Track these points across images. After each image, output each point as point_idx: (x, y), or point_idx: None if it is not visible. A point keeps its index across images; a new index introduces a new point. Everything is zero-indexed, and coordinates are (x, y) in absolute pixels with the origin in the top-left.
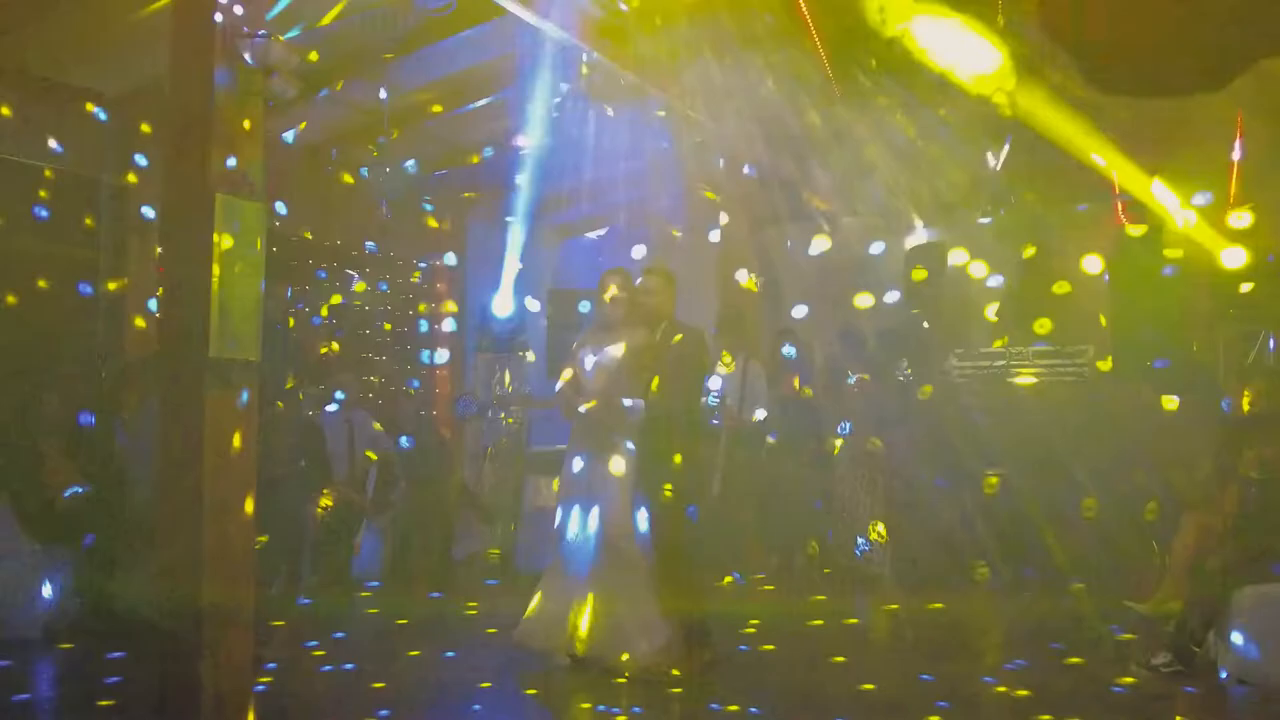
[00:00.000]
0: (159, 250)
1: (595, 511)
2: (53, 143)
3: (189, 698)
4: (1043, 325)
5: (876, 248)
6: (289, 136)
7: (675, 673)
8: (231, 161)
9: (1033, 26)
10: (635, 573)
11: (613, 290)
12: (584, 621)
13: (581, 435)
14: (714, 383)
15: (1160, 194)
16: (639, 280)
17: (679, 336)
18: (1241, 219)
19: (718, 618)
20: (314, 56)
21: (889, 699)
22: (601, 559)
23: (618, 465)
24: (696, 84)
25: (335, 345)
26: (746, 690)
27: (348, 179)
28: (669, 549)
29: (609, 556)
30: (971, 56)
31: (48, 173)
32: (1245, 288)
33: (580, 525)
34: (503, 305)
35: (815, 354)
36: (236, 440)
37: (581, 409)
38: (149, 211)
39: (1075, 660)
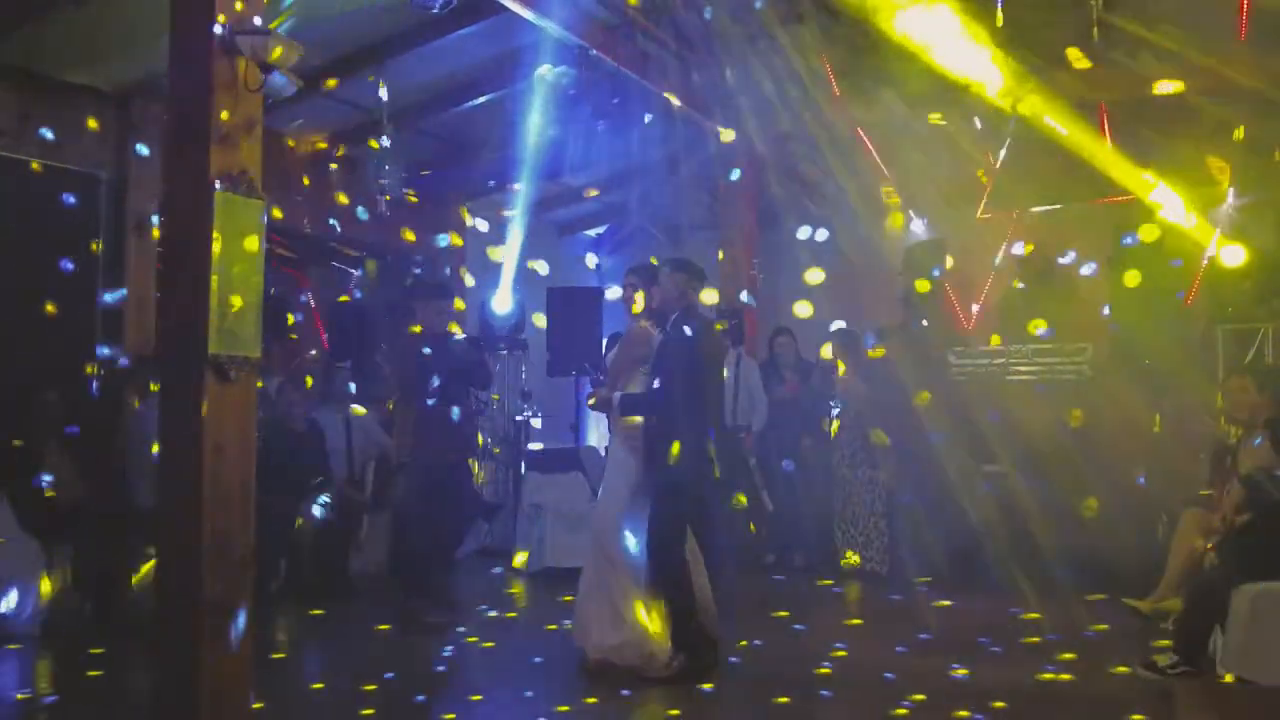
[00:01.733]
0: (158, 247)
1: (597, 506)
2: (52, 140)
3: (187, 694)
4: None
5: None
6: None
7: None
8: (230, 158)
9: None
10: (614, 566)
11: (624, 291)
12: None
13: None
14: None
15: (1159, 192)
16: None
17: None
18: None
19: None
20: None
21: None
22: (591, 552)
23: (614, 460)
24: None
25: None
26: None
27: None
28: (658, 549)
29: (595, 549)
30: (974, 59)
31: (47, 170)
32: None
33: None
34: (501, 303)
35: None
36: (236, 437)
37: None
38: (147, 210)
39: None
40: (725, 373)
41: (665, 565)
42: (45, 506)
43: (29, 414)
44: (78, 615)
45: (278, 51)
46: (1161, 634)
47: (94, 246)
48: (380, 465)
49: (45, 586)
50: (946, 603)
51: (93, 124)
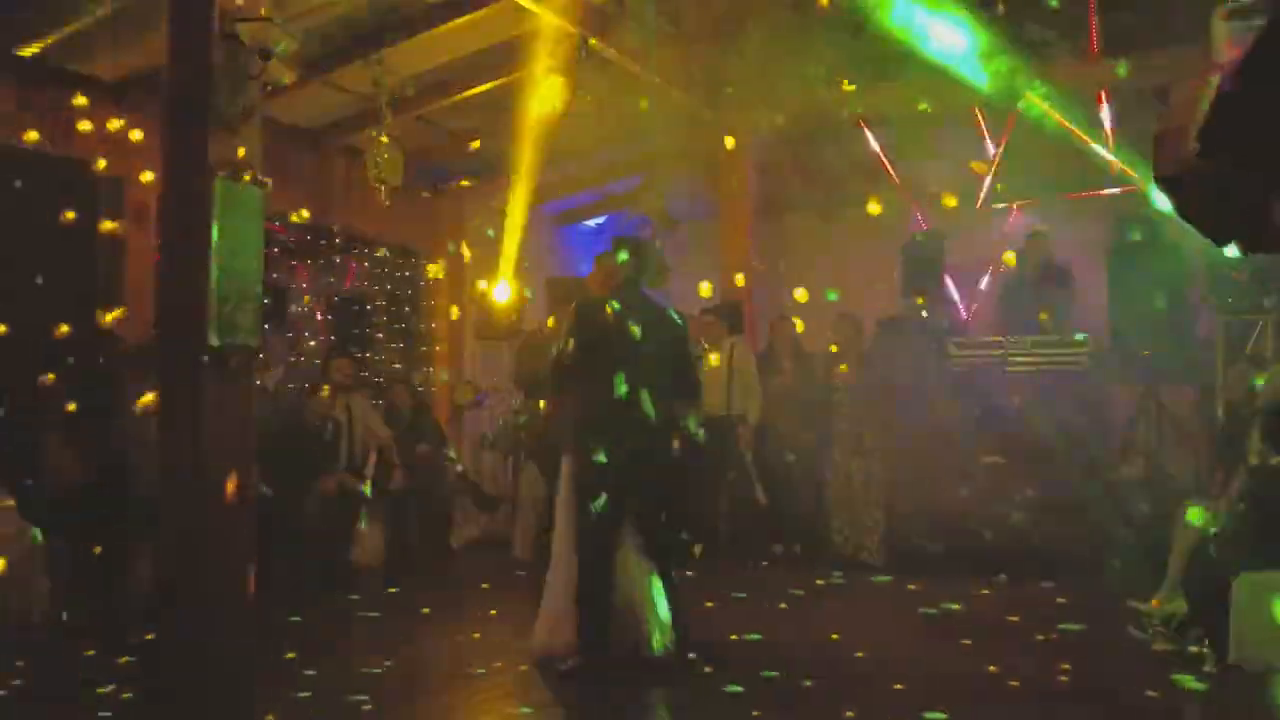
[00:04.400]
0: (157, 236)
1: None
2: (50, 128)
3: (189, 685)
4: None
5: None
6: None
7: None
8: (230, 146)
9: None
10: (557, 564)
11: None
12: None
13: None
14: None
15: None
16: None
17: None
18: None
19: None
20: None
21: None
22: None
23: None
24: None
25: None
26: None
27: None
28: (578, 539)
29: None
30: (975, 48)
31: (45, 158)
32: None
33: None
34: (502, 293)
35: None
36: (235, 426)
37: None
38: (147, 199)
39: (1068, 646)
40: (715, 359)
41: (580, 561)
42: (45, 496)
43: (28, 403)
44: (77, 606)
45: (276, 38)
46: (1163, 627)
47: (92, 235)
48: (381, 456)
49: (45, 579)
50: (943, 594)
51: (91, 112)
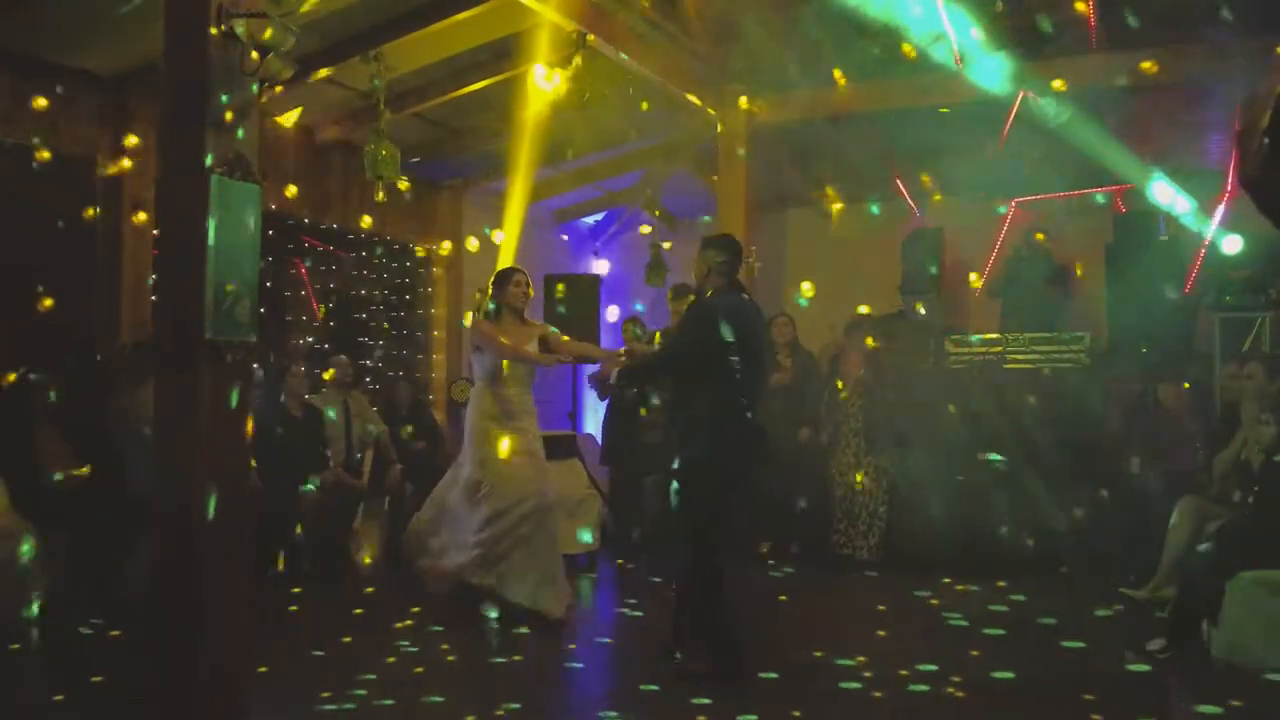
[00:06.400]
0: (155, 232)
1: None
2: (47, 124)
3: (185, 681)
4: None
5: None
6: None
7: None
8: (227, 142)
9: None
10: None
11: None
12: None
13: None
14: None
15: (1159, 181)
16: None
17: None
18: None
19: None
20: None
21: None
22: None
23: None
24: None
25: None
26: None
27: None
28: (693, 538)
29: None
30: (974, 44)
31: (43, 155)
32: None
33: None
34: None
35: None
36: (232, 421)
37: None
38: (144, 195)
39: (1068, 644)
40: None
41: (698, 557)
42: (42, 492)
43: (23, 398)
44: (74, 602)
45: (274, 35)
46: (1157, 622)
47: (90, 231)
48: (378, 452)
49: (40, 573)
50: (943, 591)
51: (88, 108)
